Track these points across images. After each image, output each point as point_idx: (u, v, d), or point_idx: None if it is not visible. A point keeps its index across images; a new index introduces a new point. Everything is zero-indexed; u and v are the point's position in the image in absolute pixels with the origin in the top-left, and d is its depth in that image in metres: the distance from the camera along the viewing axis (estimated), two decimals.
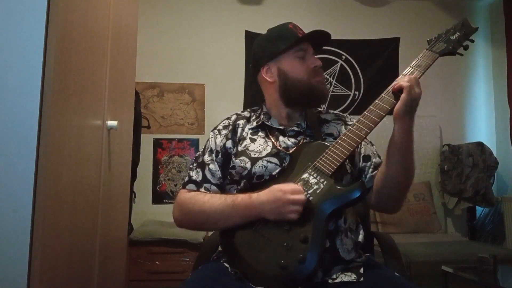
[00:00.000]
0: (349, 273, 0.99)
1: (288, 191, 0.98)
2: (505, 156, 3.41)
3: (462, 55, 1.11)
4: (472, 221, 3.37)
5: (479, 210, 3.44)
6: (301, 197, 0.97)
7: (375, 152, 1.19)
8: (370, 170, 1.14)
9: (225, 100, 3.45)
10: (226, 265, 1.04)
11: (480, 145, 3.29)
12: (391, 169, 1.05)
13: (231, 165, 1.14)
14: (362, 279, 0.98)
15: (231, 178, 1.15)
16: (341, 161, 1.02)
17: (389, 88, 1.06)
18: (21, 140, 0.98)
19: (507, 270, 2.13)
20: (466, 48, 1.10)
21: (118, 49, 1.59)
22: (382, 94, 1.06)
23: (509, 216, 3.16)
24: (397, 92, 1.03)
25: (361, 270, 1.00)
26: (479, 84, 3.76)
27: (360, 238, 1.10)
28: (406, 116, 1.00)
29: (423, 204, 3.19)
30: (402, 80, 1.02)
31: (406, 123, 1.00)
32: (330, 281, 0.98)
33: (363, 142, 1.12)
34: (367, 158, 1.16)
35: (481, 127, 3.71)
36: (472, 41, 1.10)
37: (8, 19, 1.00)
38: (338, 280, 0.98)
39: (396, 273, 1.02)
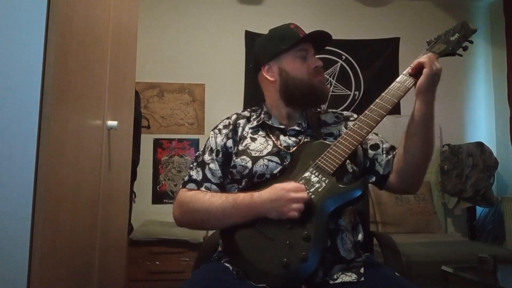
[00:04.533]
0: (349, 273, 0.99)
1: (290, 189, 0.98)
2: (505, 156, 3.41)
3: (461, 55, 1.12)
4: (472, 221, 3.37)
5: (479, 210, 3.44)
6: (303, 195, 0.97)
7: (382, 140, 1.19)
8: (384, 156, 1.14)
9: (225, 100, 3.44)
10: (227, 265, 1.04)
11: (480, 145, 3.28)
12: (414, 145, 1.06)
13: (232, 164, 1.14)
14: (362, 279, 0.98)
15: (232, 177, 1.15)
16: (343, 159, 1.02)
17: (386, 91, 1.07)
18: (21, 140, 0.98)
19: (507, 270, 2.13)
20: (465, 49, 1.11)
21: (118, 49, 1.59)
22: (378, 100, 1.07)
23: (509, 216, 3.16)
24: (416, 73, 1.05)
25: (362, 270, 1.00)
26: (479, 84, 3.76)
27: (360, 237, 1.10)
28: (430, 90, 1.03)
29: (423, 204, 3.18)
30: (421, 58, 1.05)
31: (429, 96, 1.03)
32: (331, 281, 0.97)
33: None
34: (375, 146, 1.17)
35: (481, 127, 3.70)
36: (471, 42, 1.11)
37: (8, 19, 1.00)
38: (338, 280, 0.98)
39: (396, 273, 1.02)
